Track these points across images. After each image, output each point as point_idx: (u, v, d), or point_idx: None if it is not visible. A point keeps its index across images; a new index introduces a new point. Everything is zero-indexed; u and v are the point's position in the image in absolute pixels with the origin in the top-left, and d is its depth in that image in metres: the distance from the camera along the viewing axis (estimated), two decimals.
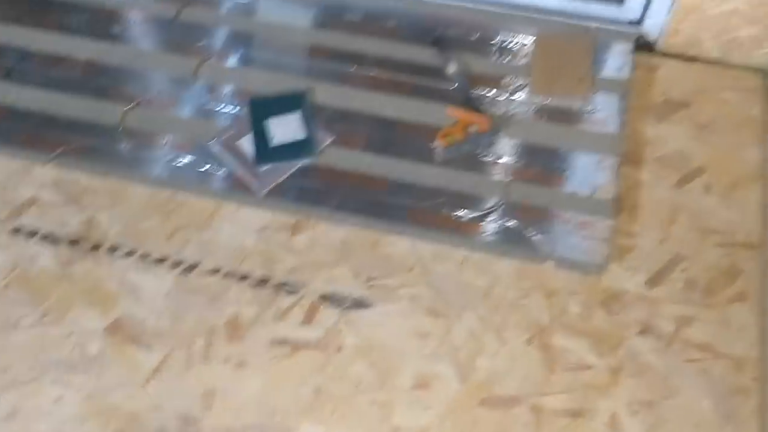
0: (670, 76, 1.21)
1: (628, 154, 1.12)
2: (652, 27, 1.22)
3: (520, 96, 1.16)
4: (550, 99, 1.15)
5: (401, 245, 1.04)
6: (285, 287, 1.01)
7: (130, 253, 1.03)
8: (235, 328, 0.98)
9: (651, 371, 0.95)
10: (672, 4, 1.18)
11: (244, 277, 1.01)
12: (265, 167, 1.07)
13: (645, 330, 0.98)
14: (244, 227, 1.05)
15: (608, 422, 0.92)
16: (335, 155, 1.09)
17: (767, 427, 0.91)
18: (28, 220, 1.05)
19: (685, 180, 1.10)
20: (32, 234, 1.04)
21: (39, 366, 0.94)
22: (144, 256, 1.03)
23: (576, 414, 0.92)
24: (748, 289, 1.01)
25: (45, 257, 1.02)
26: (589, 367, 0.95)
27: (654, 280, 1.02)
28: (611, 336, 0.98)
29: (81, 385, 0.93)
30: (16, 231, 1.05)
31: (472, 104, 1.14)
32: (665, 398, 0.93)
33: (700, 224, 1.06)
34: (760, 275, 1.02)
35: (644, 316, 0.99)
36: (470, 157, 1.09)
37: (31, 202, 1.07)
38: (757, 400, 0.93)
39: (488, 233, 1.03)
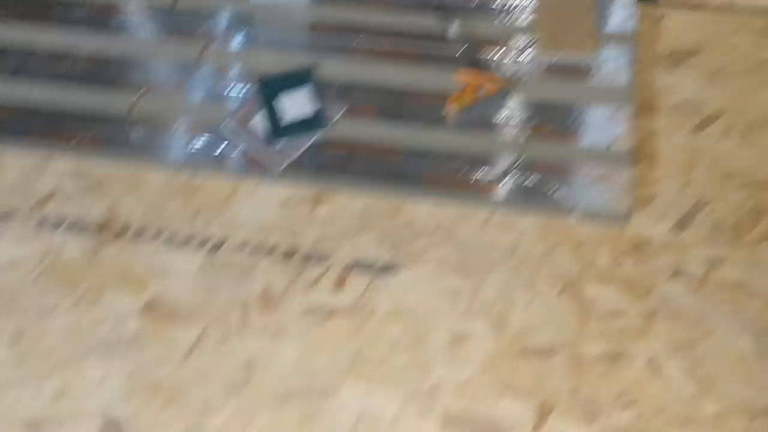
0: (676, 26, 1.31)
1: (641, 104, 1.21)
2: None
3: (527, 55, 1.25)
4: (557, 57, 1.25)
5: (422, 210, 1.13)
6: (312, 257, 1.10)
7: (155, 236, 1.12)
8: (267, 300, 1.07)
9: (685, 314, 1.04)
10: None
11: (270, 251, 1.11)
12: (279, 144, 1.16)
13: (675, 274, 1.07)
14: (265, 203, 1.15)
15: (647, 365, 1.00)
16: (347, 127, 1.18)
17: None
18: (51, 212, 1.15)
19: (701, 126, 1.20)
20: (57, 225, 1.13)
21: (80, 349, 1.03)
22: (170, 238, 1.12)
23: (614, 359, 1.01)
24: None
25: (72, 246, 1.11)
26: (622, 314, 1.04)
27: (679, 226, 1.11)
28: (642, 282, 1.06)
29: (123, 364, 1.02)
30: (41, 223, 1.14)
31: (479, 67, 1.23)
32: (702, 339, 1.02)
33: (721, 168, 1.15)
34: None
35: (673, 261, 1.08)
36: (482, 119, 1.19)
37: (52, 193, 1.16)
38: None
39: (508, 192, 1.12)
